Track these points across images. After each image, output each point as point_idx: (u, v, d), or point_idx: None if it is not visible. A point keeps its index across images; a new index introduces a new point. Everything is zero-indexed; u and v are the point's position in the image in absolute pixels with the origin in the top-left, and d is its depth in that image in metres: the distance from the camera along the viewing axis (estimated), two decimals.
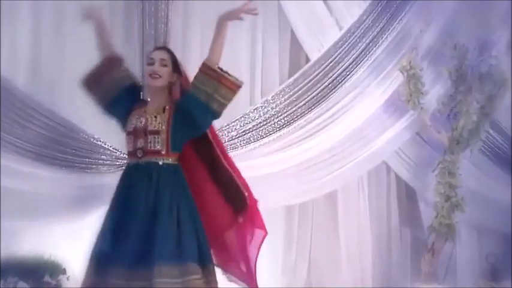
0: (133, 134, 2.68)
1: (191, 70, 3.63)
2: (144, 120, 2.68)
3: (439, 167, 4.05)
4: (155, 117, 2.68)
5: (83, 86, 2.76)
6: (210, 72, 2.68)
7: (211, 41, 2.72)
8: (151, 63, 2.71)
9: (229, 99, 2.69)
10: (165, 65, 2.71)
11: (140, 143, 2.66)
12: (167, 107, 2.70)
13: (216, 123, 3.57)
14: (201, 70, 2.71)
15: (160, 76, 2.69)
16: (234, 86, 2.71)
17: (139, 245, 2.56)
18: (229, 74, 2.68)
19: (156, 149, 2.66)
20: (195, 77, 2.73)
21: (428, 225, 4.07)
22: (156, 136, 2.66)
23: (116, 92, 2.72)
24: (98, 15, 2.76)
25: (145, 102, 2.77)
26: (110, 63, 2.75)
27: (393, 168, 4.22)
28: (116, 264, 2.54)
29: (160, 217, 2.60)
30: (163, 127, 2.67)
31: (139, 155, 2.66)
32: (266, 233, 2.77)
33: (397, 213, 4.26)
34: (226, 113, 3.60)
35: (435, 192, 4.05)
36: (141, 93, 2.82)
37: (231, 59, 3.73)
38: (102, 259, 2.56)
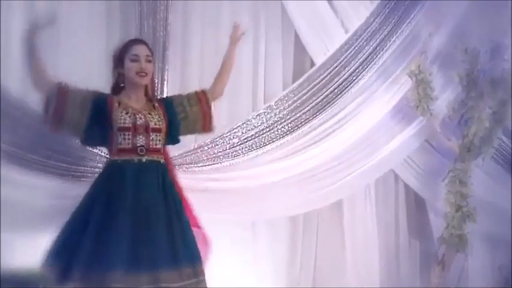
0: (131, 130, 2.67)
1: (191, 74, 3.75)
2: (142, 117, 2.69)
3: (449, 175, 4.03)
4: (149, 114, 2.72)
5: (48, 129, 2.72)
6: (204, 103, 2.81)
7: (220, 68, 2.85)
8: (137, 60, 2.72)
9: (193, 133, 2.89)
10: (150, 61, 2.75)
11: (141, 140, 2.67)
12: (156, 104, 2.76)
13: (217, 130, 3.56)
14: (198, 95, 2.82)
15: (147, 74, 2.73)
16: (207, 129, 2.87)
17: (144, 247, 2.58)
18: (213, 117, 2.82)
19: (157, 147, 2.70)
20: (188, 96, 2.84)
21: (438, 236, 4.05)
22: (158, 134, 2.70)
23: (84, 123, 2.69)
24: (33, 38, 2.68)
25: (116, 94, 2.77)
26: (59, 97, 2.69)
27: (401, 177, 4.20)
28: (113, 268, 2.53)
29: (170, 219, 2.67)
30: (163, 125, 2.72)
31: (142, 153, 2.66)
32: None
33: (405, 223, 4.25)
34: (227, 119, 3.78)
35: (445, 201, 4.03)
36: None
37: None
38: (98, 262, 2.54)
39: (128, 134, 2.68)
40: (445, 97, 4.07)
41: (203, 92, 2.90)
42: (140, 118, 2.70)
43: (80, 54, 3.40)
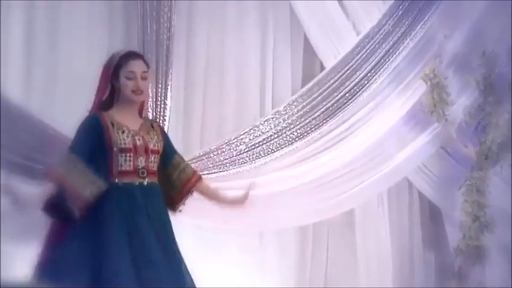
0: (132, 152, 2.66)
1: (196, 78, 3.74)
2: (141, 138, 2.69)
3: (466, 184, 4.01)
4: (148, 134, 2.72)
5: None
6: (189, 185, 2.82)
7: (211, 193, 2.89)
8: (133, 78, 2.70)
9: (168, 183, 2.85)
10: (145, 78, 2.74)
11: (141, 162, 2.67)
12: (154, 124, 2.79)
13: (224, 136, 3.67)
14: (191, 176, 2.84)
15: (143, 92, 2.72)
16: (178, 204, 2.85)
17: (157, 271, 2.60)
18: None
19: (155, 169, 2.71)
20: (184, 165, 2.88)
21: (454, 248, 4.02)
22: (156, 156, 2.71)
23: (94, 175, 2.65)
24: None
25: (105, 110, 2.74)
26: (64, 190, 2.64)
27: (416, 185, 4.17)
28: None
29: (172, 242, 2.70)
30: (160, 147, 2.73)
31: (143, 175, 2.66)
32: None
33: (420, 234, 4.21)
34: (234, 125, 3.78)
35: (462, 211, 4.00)
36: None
37: (239, 68, 3.82)
38: None
39: (129, 156, 2.67)
40: (461, 102, 4.05)
41: (198, 178, 2.90)
42: (139, 139, 2.69)
43: (80, 55, 3.39)
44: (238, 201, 2.86)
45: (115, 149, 2.65)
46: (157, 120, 3.45)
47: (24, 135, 3.27)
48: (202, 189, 2.89)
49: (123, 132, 2.68)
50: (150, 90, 2.85)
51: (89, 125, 2.69)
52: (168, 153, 2.83)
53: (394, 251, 4.11)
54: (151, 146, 2.69)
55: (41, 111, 3.30)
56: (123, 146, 2.66)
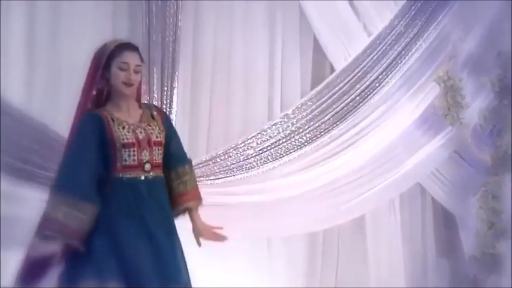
0: (136, 146, 2.64)
1: (203, 80, 3.73)
2: (143, 131, 2.67)
3: (481, 189, 4.00)
4: (149, 125, 2.69)
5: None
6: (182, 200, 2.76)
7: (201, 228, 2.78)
8: (125, 69, 2.65)
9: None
10: (138, 72, 2.69)
11: (145, 155, 2.65)
12: (155, 113, 2.74)
13: (231, 141, 3.66)
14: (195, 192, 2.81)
15: (133, 84, 2.68)
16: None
17: (166, 266, 2.60)
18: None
19: (159, 161, 2.69)
20: (187, 178, 2.79)
21: (469, 255, 4.01)
22: (159, 148, 2.68)
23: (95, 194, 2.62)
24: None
25: (102, 105, 2.70)
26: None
27: (429, 191, 4.14)
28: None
29: (175, 237, 2.69)
30: (163, 137, 2.70)
31: (148, 169, 2.65)
32: None
33: (433, 241, 4.20)
34: (241, 129, 3.77)
35: (477, 217, 3.99)
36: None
37: (247, 70, 3.81)
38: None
39: (133, 150, 2.64)
40: (476, 105, 4.03)
41: (199, 196, 2.83)
42: (141, 132, 2.67)
43: (83, 57, 3.23)
44: (213, 238, 2.80)
45: (117, 145, 2.63)
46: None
47: (25, 138, 3.28)
48: (193, 214, 2.79)
49: (123, 127, 2.65)
50: (141, 85, 2.76)
51: (91, 123, 2.64)
52: (174, 153, 2.75)
53: (406, 258, 4.08)
54: (153, 138, 2.66)
55: (43, 114, 3.31)
56: (125, 141, 2.63)
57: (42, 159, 3.27)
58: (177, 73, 3.52)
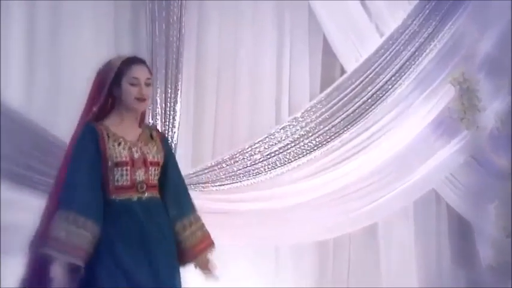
0: (129, 165, 2.59)
1: (208, 82, 3.70)
2: (139, 150, 2.63)
3: (498, 196, 3.99)
4: (146, 145, 2.65)
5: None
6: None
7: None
8: (137, 84, 2.64)
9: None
10: (149, 85, 2.68)
11: (139, 175, 2.60)
12: (154, 134, 2.71)
13: (238, 145, 3.63)
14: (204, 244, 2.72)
15: (146, 99, 2.67)
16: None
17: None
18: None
19: (155, 182, 2.64)
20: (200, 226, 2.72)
21: (486, 265, 4.00)
22: (156, 168, 2.64)
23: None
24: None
25: (99, 120, 2.67)
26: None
27: (444, 198, 4.12)
28: None
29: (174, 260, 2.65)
30: (161, 158, 2.66)
31: (141, 190, 2.59)
32: None
33: (448, 250, 4.18)
34: (248, 133, 3.75)
35: (494, 226, 3.98)
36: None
37: (254, 71, 3.78)
38: None
39: (126, 170, 2.59)
40: (493, 108, 4.01)
41: (211, 244, 2.75)
42: (136, 151, 2.62)
43: (84, 59, 3.35)
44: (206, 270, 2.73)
45: (110, 164, 2.58)
46: (166, 127, 3.41)
47: (25, 144, 3.24)
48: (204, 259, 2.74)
49: (119, 144, 2.61)
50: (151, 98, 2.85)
51: (88, 139, 2.60)
52: (173, 188, 2.70)
53: (420, 267, 4.06)
54: (150, 158, 2.62)
55: (42, 117, 3.29)
56: (118, 159, 2.58)
57: (42, 164, 3.23)
58: (181, 75, 3.48)
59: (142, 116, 2.74)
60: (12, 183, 3.19)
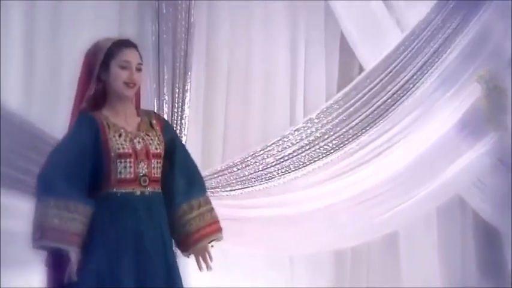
0: (133, 157, 2.54)
1: (218, 84, 3.69)
2: (141, 140, 2.58)
3: None
4: (147, 135, 2.60)
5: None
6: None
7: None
8: (127, 68, 2.57)
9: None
10: (140, 70, 2.62)
11: (142, 168, 2.55)
12: (154, 122, 2.65)
13: (250, 148, 3.61)
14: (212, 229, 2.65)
15: (135, 84, 2.59)
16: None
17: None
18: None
19: (158, 176, 2.59)
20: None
21: None
22: (158, 161, 2.58)
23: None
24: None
25: (97, 109, 2.61)
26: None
27: (470, 203, 4.07)
28: None
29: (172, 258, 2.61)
30: (162, 149, 2.60)
31: (145, 183, 2.54)
32: None
33: (474, 259, 4.18)
34: (260, 135, 3.74)
35: None
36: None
37: (267, 70, 3.78)
38: None
39: (130, 162, 2.54)
40: None
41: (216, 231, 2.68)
42: (139, 142, 2.58)
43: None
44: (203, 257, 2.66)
45: (112, 155, 2.53)
46: (174, 129, 3.36)
47: (23, 146, 3.20)
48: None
49: (120, 135, 2.56)
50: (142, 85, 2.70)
51: (83, 125, 2.54)
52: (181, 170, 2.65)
53: (444, 278, 4.05)
54: (152, 149, 2.57)
55: (42, 119, 3.26)
56: (121, 151, 2.53)
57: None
58: (189, 73, 3.44)
59: (137, 100, 2.66)
60: (10, 188, 3.14)
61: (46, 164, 2.53)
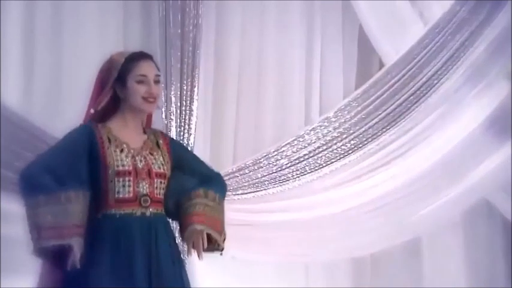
0: (132, 175, 2.49)
1: (228, 81, 3.64)
2: (143, 159, 2.53)
3: None
4: (151, 154, 2.55)
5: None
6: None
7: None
8: (145, 82, 2.54)
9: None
10: (158, 81, 2.58)
11: (143, 187, 2.49)
12: (161, 142, 2.61)
13: (262, 149, 3.58)
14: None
15: (155, 99, 2.56)
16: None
17: None
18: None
19: (161, 197, 2.53)
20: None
21: None
22: (162, 181, 2.53)
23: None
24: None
25: (100, 122, 2.59)
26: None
27: (498, 208, 4.01)
28: None
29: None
30: (167, 170, 2.55)
31: (145, 204, 2.48)
32: None
33: (503, 267, 4.10)
34: (274, 135, 3.66)
35: None
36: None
37: (280, 66, 3.76)
38: None
39: (129, 180, 2.50)
40: None
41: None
42: (140, 160, 2.53)
43: (89, 55, 3.33)
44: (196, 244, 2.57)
45: (110, 172, 2.49)
46: (181, 128, 3.36)
47: (23, 148, 3.17)
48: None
49: (121, 150, 2.52)
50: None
51: (78, 132, 2.51)
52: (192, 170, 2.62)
53: (470, 286, 4.02)
54: (155, 169, 2.53)
55: (43, 122, 3.25)
56: (120, 168, 2.48)
57: None
58: (198, 70, 3.41)
59: (149, 119, 2.64)
60: (9, 192, 3.09)
61: (27, 164, 2.50)
